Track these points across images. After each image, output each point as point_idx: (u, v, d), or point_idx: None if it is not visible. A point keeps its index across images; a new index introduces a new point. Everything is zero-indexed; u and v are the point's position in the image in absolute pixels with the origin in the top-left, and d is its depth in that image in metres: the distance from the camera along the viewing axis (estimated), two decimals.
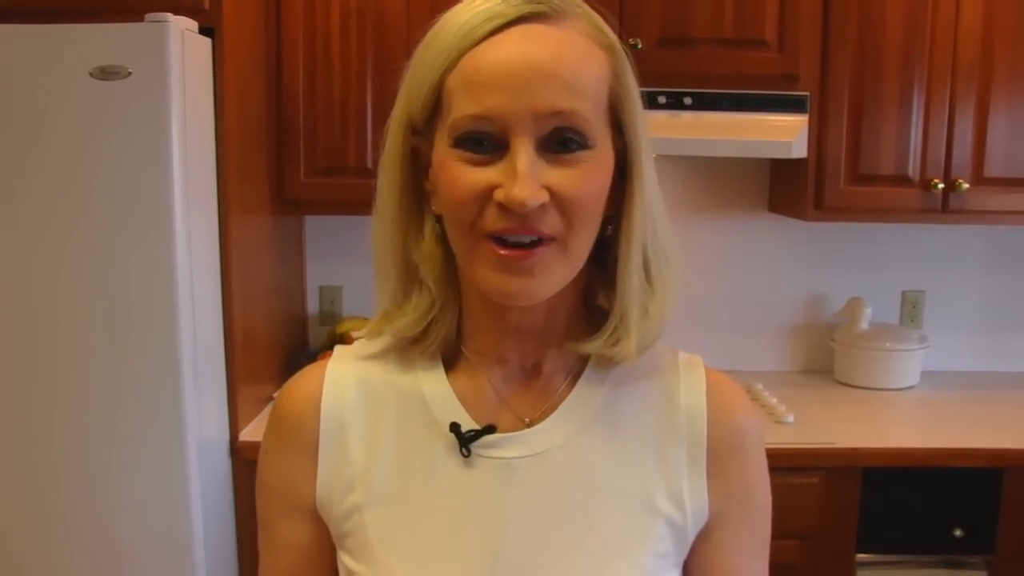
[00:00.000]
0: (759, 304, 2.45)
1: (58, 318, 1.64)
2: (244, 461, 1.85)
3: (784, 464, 1.83)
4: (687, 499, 0.72)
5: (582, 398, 0.74)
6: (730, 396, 0.76)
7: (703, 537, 0.74)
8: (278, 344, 2.18)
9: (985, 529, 1.92)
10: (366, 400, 0.75)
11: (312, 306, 2.43)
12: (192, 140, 1.66)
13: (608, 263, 0.72)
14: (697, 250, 2.40)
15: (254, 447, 1.84)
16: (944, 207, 2.09)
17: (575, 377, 0.75)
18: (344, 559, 0.74)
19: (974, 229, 2.41)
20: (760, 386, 2.20)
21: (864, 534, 1.91)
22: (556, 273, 0.67)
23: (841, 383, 2.34)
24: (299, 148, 2.06)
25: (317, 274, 2.41)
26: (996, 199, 2.09)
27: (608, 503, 0.71)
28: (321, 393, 0.75)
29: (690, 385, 0.75)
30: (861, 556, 1.92)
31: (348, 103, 2.04)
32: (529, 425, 0.73)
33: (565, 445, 0.72)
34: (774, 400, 2.07)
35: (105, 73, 1.58)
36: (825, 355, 2.44)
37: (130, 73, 1.58)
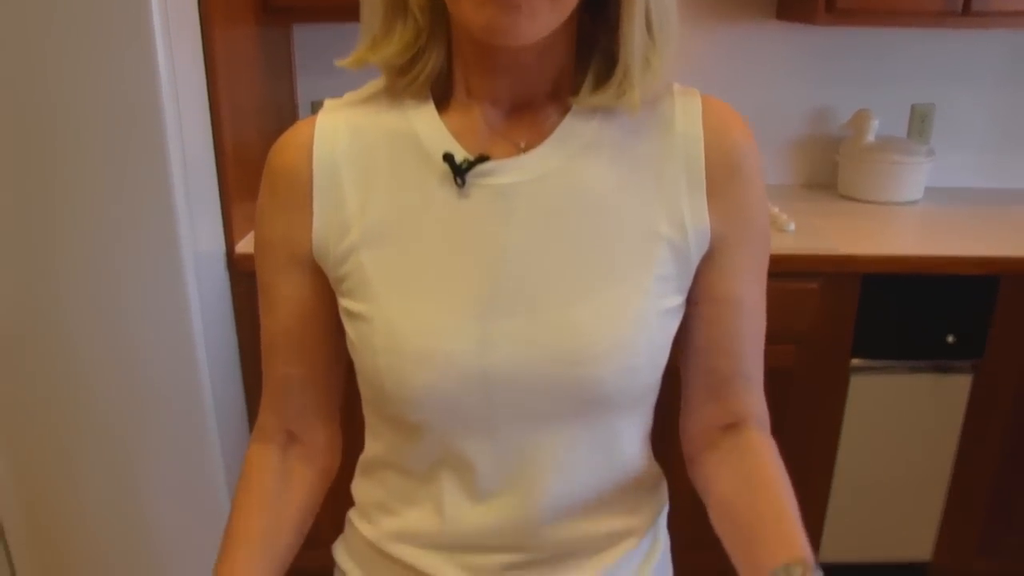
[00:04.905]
0: (763, 116, 2.38)
1: (46, 139, 1.58)
2: (241, 273, 1.86)
3: (783, 269, 1.84)
4: (688, 221, 0.71)
5: (576, 125, 0.72)
6: (727, 118, 0.74)
7: (705, 263, 0.74)
8: None
9: (976, 335, 1.95)
10: (358, 144, 0.73)
11: None
12: None
13: (608, 10, 0.69)
14: (700, 59, 2.31)
15: (251, 259, 1.85)
16: (966, 9, 1.98)
17: (567, 109, 0.73)
18: (344, 303, 0.74)
19: (992, 38, 2.31)
20: None
21: (860, 340, 1.94)
22: (544, 14, 0.63)
23: (844, 197, 2.31)
24: None
25: (308, 89, 2.33)
26: None
27: (608, 228, 0.71)
28: (312, 141, 0.73)
29: (686, 109, 0.73)
30: (855, 361, 1.96)
31: None
32: (523, 151, 0.72)
33: (561, 171, 0.71)
34: (775, 209, 2.05)
35: None
36: (829, 169, 2.40)
37: None
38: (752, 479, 0.73)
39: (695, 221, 0.72)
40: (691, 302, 0.75)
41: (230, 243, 1.85)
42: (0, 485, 1.84)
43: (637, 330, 0.69)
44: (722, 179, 0.72)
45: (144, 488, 1.83)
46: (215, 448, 1.80)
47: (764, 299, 0.77)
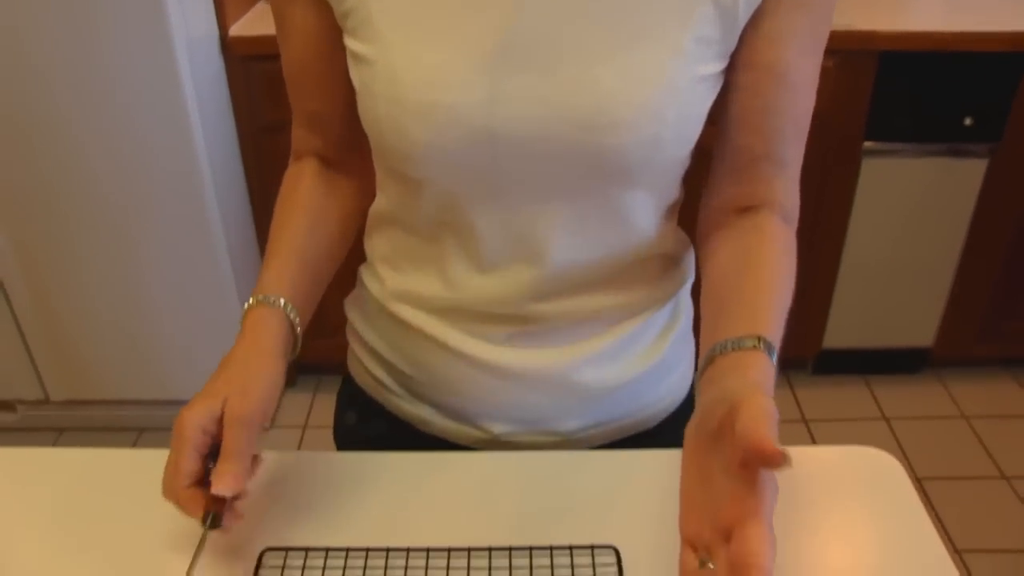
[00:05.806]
0: None
1: None
2: (237, 57, 1.80)
3: None
4: None
5: None
6: None
7: (752, 24, 0.63)
8: None
9: (996, 118, 1.89)
10: None
11: None
12: None
13: None
14: None
15: (245, 42, 1.79)
16: None
17: None
18: (348, 42, 0.68)
19: None
20: None
21: (874, 121, 1.89)
22: None
23: None
24: None
25: None
26: None
27: None
28: None
29: None
30: (868, 144, 1.91)
31: None
32: None
33: None
34: None
35: None
36: None
37: None
38: (748, 258, 0.67)
39: None
40: (729, 68, 0.65)
41: (223, 26, 1.79)
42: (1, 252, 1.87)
43: (666, 96, 0.61)
44: None
45: (143, 257, 1.86)
46: (216, 223, 1.82)
47: (816, 78, 0.67)
